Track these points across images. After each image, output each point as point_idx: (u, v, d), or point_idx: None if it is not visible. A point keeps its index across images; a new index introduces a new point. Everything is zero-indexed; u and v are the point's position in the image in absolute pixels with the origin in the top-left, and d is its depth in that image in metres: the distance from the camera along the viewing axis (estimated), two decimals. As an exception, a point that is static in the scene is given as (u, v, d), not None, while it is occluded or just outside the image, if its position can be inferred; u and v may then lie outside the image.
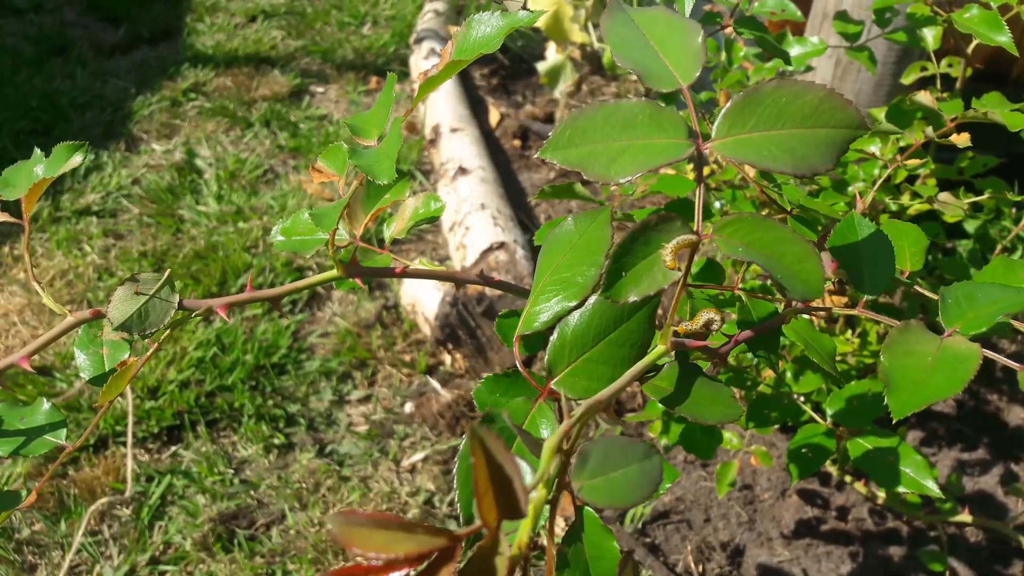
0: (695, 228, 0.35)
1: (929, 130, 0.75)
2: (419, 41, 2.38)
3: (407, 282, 1.63)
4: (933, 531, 1.30)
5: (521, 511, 0.26)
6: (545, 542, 0.39)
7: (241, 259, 1.75)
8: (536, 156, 0.39)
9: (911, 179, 1.21)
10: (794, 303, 0.45)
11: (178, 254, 1.77)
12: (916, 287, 0.52)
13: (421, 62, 2.29)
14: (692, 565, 1.25)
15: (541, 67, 2.09)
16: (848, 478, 1.35)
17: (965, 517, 1.14)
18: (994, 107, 0.69)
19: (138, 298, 0.52)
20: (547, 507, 0.33)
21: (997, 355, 0.37)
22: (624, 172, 0.35)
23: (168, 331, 0.55)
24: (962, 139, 0.70)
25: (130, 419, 1.34)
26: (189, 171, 2.04)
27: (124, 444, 1.39)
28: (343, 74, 2.46)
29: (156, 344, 0.55)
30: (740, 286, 0.45)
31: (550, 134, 0.38)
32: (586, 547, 0.61)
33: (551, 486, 0.32)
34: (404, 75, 2.45)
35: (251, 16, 2.78)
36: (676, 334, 0.42)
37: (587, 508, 0.62)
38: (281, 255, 1.75)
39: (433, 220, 0.62)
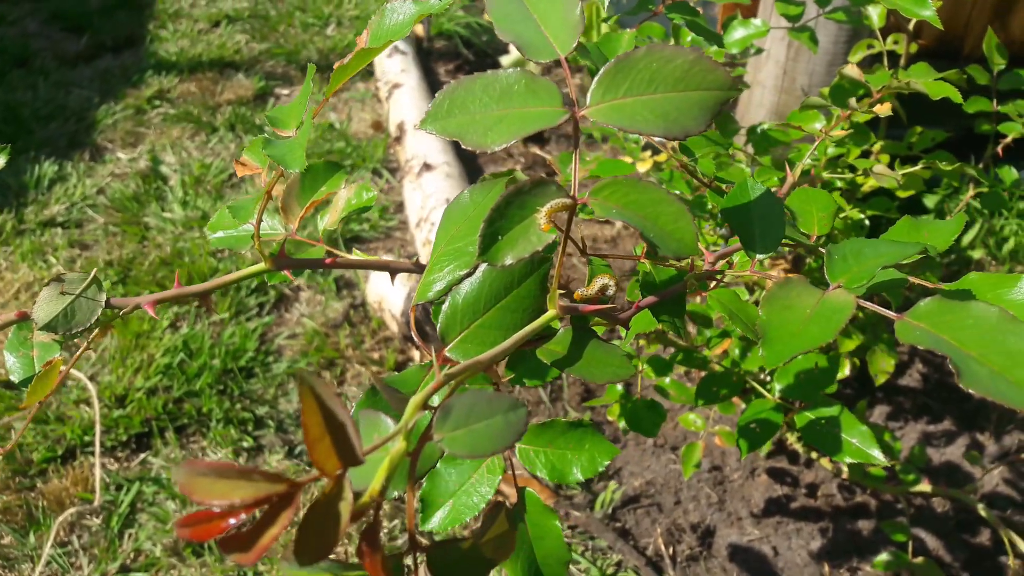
0: (571, 192, 0.36)
1: (852, 101, 0.76)
2: (382, 39, 2.37)
3: (373, 280, 1.63)
4: (900, 504, 1.32)
5: (357, 457, 0.27)
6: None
7: (207, 264, 1.74)
8: (417, 127, 0.39)
9: (868, 159, 1.22)
10: (689, 265, 0.46)
11: (144, 262, 1.77)
12: (820, 249, 0.52)
13: (385, 60, 2.29)
14: (663, 548, 1.26)
15: (505, 61, 2.09)
16: (814, 455, 1.36)
17: (925, 487, 1.16)
18: (919, 77, 0.70)
19: (64, 298, 0.52)
20: (408, 460, 0.33)
21: (874, 305, 0.37)
22: (500, 139, 0.35)
23: (97, 330, 0.55)
24: (884, 109, 0.71)
25: (97, 428, 1.33)
26: (154, 178, 2.03)
27: (92, 454, 1.38)
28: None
29: (85, 344, 0.55)
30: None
31: (429, 105, 0.38)
32: (529, 528, 0.62)
33: (412, 439, 0.33)
34: (369, 74, 2.44)
35: (215, 21, 2.76)
36: (572, 299, 0.42)
37: (529, 489, 0.62)
38: (247, 258, 1.74)
39: (365, 210, 0.63)
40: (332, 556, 0.32)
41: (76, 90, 2.39)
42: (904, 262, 0.50)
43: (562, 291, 0.42)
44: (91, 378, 1.50)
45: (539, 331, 0.40)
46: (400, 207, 1.94)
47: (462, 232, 0.42)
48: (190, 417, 1.44)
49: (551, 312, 0.40)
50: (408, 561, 0.34)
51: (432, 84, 2.30)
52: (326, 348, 1.56)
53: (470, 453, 0.31)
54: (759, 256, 0.44)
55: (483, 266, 0.41)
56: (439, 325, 0.41)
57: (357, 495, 0.33)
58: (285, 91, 2.42)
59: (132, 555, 1.24)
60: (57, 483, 1.33)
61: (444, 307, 0.41)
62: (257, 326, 1.61)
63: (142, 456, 1.39)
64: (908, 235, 0.49)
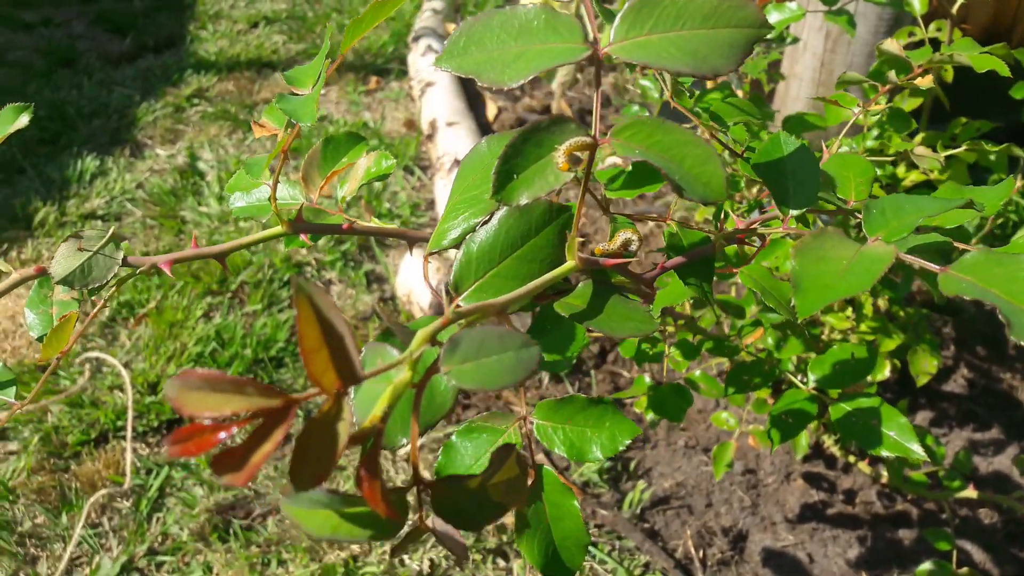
0: (592, 131, 0.34)
1: (892, 74, 0.73)
2: (417, 39, 2.38)
3: (403, 273, 1.62)
4: (944, 513, 1.27)
5: (356, 373, 0.25)
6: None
7: (241, 256, 1.75)
8: (433, 65, 0.38)
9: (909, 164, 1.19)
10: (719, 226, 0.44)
11: (180, 254, 1.78)
12: (858, 215, 0.50)
13: (419, 60, 2.29)
14: (692, 550, 1.23)
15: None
16: (852, 459, 1.32)
17: (971, 493, 1.11)
18: (963, 51, 0.67)
19: (81, 254, 0.52)
20: (412, 393, 0.32)
21: (915, 259, 0.35)
22: (518, 76, 0.34)
23: (114, 288, 0.54)
24: (926, 81, 0.68)
25: (130, 413, 1.34)
26: (192, 174, 2.06)
27: (124, 438, 1.39)
28: (343, 75, 2.47)
29: (103, 301, 0.54)
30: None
31: (446, 42, 0.37)
32: (547, 507, 0.60)
33: (419, 370, 0.31)
34: (403, 73, 2.45)
35: (253, 22, 2.80)
36: (592, 254, 0.40)
37: (546, 468, 0.60)
38: (279, 252, 1.75)
39: (385, 177, 0.62)
40: (334, 488, 0.31)
41: (118, 89, 2.43)
42: (947, 227, 0.48)
43: (582, 243, 0.41)
44: (125, 365, 1.51)
45: (557, 282, 0.38)
46: (431, 204, 1.94)
47: (478, 180, 0.40)
48: (220, 406, 1.45)
49: (571, 263, 0.39)
50: (411, 499, 0.32)
51: (465, 83, 2.29)
52: (356, 341, 1.55)
53: (479, 386, 0.29)
54: (793, 212, 0.42)
55: (499, 214, 0.39)
56: (452, 274, 0.39)
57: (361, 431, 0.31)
58: (321, 91, 2.44)
59: (160, 538, 1.24)
60: (90, 465, 1.34)
61: (458, 255, 0.39)
62: (288, 317, 1.61)
63: (171, 444, 1.40)
64: (951, 195, 0.46)
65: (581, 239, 0.39)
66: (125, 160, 2.13)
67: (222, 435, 0.25)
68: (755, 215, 1.04)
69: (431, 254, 0.42)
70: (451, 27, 2.46)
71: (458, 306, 0.37)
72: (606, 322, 0.38)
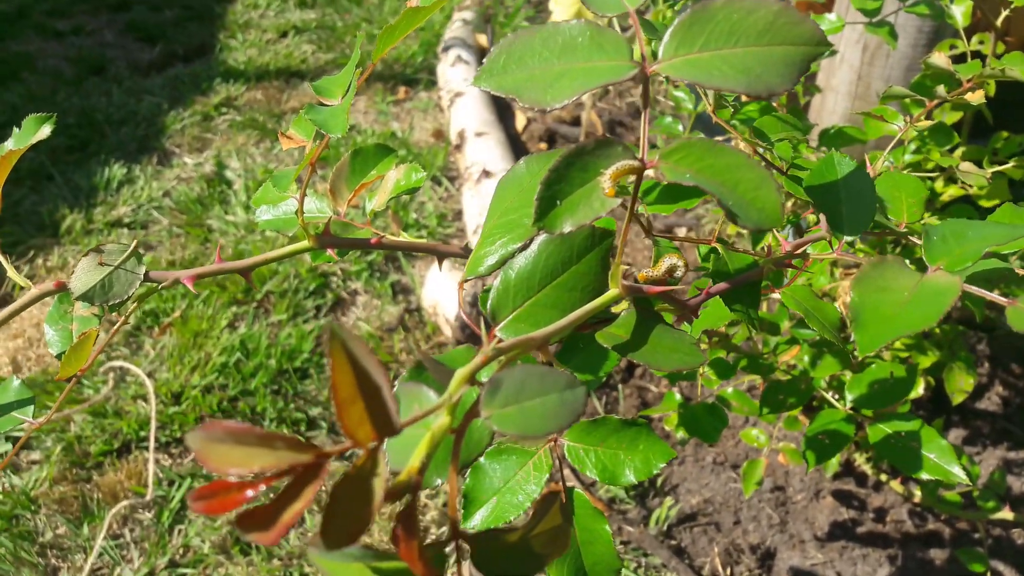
0: (639, 154, 0.33)
1: (941, 89, 0.71)
2: (446, 49, 2.38)
3: (429, 285, 1.61)
4: (977, 533, 1.24)
5: (393, 425, 0.24)
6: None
7: (267, 267, 1.75)
8: (472, 84, 0.36)
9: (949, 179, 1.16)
10: (767, 251, 0.42)
11: (206, 262, 1.79)
12: (910, 238, 0.48)
13: (448, 70, 2.29)
14: (719, 568, 1.20)
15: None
16: (884, 477, 1.29)
17: (1007, 514, 1.08)
18: (1014, 64, 0.65)
19: (102, 268, 0.51)
20: (452, 437, 0.30)
21: (982, 291, 0.33)
22: (562, 96, 0.33)
23: (136, 304, 0.53)
24: (977, 96, 0.66)
25: (152, 424, 1.34)
26: (219, 182, 2.06)
27: (147, 449, 1.39)
28: (371, 85, 2.47)
29: (123, 318, 0.54)
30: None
31: (484, 60, 0.36)
32: (577, 531, 0.58)
33: (458, 415, 0.30)
34: (432, 83, 2.45)
35: (282, 32, 2.81)
36: (636, 281, 0.39)
37: (577, 490, 0.59)
38: (305, 262, 1.75)
39: (415, 191, 0.61)
40: (367, 542, 0.29)
41: (147, 97, 2.45)
42: (1005, 252, 0.46)
43: (625, 271, 0.39)
44: (149, 375, 1.51)
45: (599, 312, 0.37)
46: (459, 215, 1.93)
47: (516, 203, 0.39)
48: (244, 416, 1.44)
49: (613, 291, 0.37)
50: (450, 552, 0.31)
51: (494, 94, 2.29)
52: (380, 352, 1.55)
53: (521, 433, 0.28)
54: (847, 238, 0.40)
55: (539, 239, 0.38)
56: (489, 302, 0.38)
57: (394, 474, 0.30)
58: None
59: (181, 550, 1.24)
60: (112, 476, 1.34)
61: (495, 283, 0.38)
62: (314, 328, 1.61)
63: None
64: (1011, 220, 0.44)
65: (625, 266, 0.37)
66: (152, 168, 2.14)
67: (249, 493, 0.23)
68: (788, 231, 1.02)
69: (466, 281, 0.40)
70: (481, 38, 2.46)
71: (496, 337, 0.36)
72: (651, 354, 0.36)
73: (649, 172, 0.33)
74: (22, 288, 0.52)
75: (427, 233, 1.87)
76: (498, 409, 0.29)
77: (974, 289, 0.33)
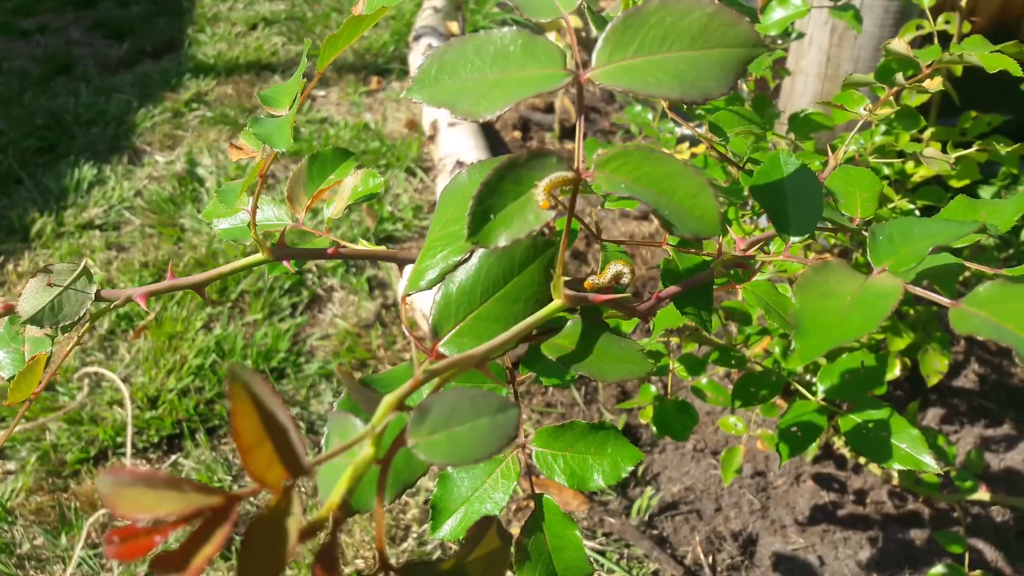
0: (575, 164, 0.32)
1: (900, 76, 0.71)
2: (417, 38, 2.36)
3: (405, 280, 1.60)
4: (956, 513, 1.24)
5: (301, 466, 0.23)
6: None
7: (241, 265, 1.73)
8: (404, 96, 0.35)
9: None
10: (719, 252, 0.41)
11: (179, 263, 1.77)
12: (864, 233, 0.48)
13: (419, 59, 2.27)
14: (702, 556, 1.21)
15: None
16: (863, 459, 1.29)
17: (983, 495, 1.09)
18: (973, 49, 0.64)
19: (51, 290, 0.50)
20: (377, 468, 0.29)
21: (925, 291, 0.33)
22: (493, 107, 0.32)
23: (87, 324, 0.52)
24: (935, 83, 0.65)
25: (129, 429, 1.33)
26: (191, 180, 2.04)
27: (124, 455, 1.37)
28: (343, 76, 2.45)
29: (75, 339, 0.52)
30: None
31: (415, 70, 0.35)
32: (548, 538, 0.57)
33: (384, 444, 0.29)
34: (404, 73, 2.43)
35: (252, 24, 2.78)
36: (583, 289, 0.38)
37: (547, 497, 0.58)
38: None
39: (372, 197, 0.59)
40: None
41: (116, 95, 2.42)
42: (958, 246, 0.45)
43: (572, 279, 0.38)
44: (124, 379, 1.50)
45: (544, 323, 0.36)
46: (434, 206, 1.91)
47: (458, 214, 0.38)
48: (221, 418, 1.43)
49: (557, 302, 0.36)
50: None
51: (467, 82, 2.27)
52: (358, 348, 1.54)
53: (448, 461, 0.27)
54: (794, 239, 0.40)
55: (479, 252, 0.37)
56: (431, 317, 0.37)
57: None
58: (321, 92, 2.42)
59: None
60: (89, 484, 1.32)
61: (437, 297, 0.37)
62: (290, 327, 1.60)
63: (173, 458, 1.38)
64: (964, 214, 0.43)
65: (570, 278, 0.36)
66: (123, 168, 2.11)
67: (158, 538, 0.23)
68: (763, 221, 1.02)
69: (408, 295, 0.40)
70: (453, 25, 2.43)
71: (439, 353, 0.35)
72: (596, 364, 0.36)
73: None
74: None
75: (403, 225, 1.85)
76: (425, 437, 0.28)
77: (917, 290, 0.33)
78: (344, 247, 0.56)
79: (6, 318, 0.57)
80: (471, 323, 0.36)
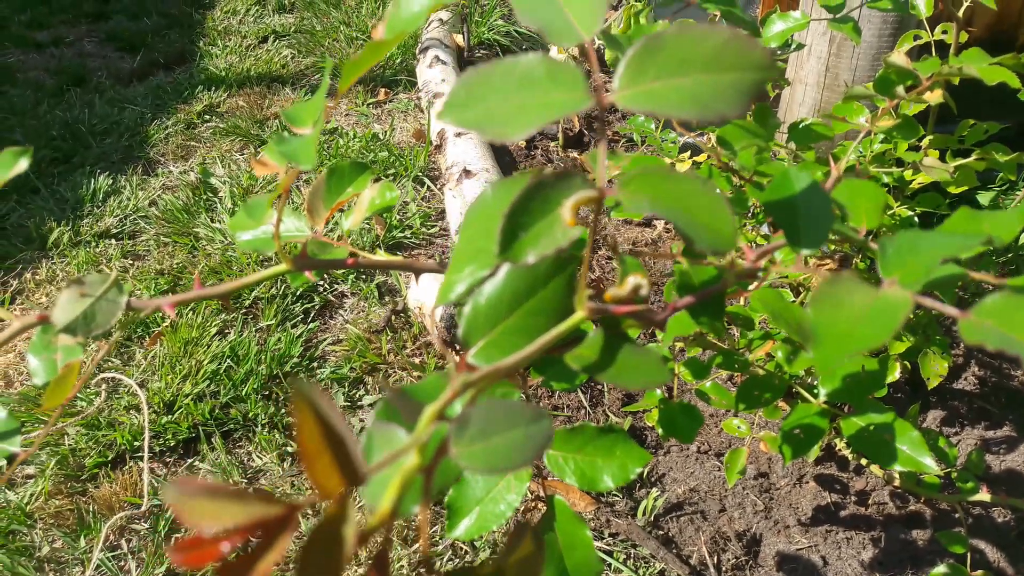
0: (598, 184, 0.35)
1: (900, 89, 0.73)
2: (424, 50, 2.39)
3: (413, 286, 1.63)
4: (957, 513, 1.26)
5: (359, 475, 0.25)
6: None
7: (254, 272, 1.77)
8: (437, 118, 0.37)
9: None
10: (729, 263, 0.44)
11: (194, 271, 1.80)
12: (870, 245, 0.50)
13: (425, 70, 2.30)
14: (707, 556, 1.23)
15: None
16: (865, 461, 1.31)
17: (984, 496, 1.11)
18: (972, 62, 0.67)
19: (84, 300, 0.52)
20: (421, 476, 0.32)
21: (934, 303, 0.35)
22: (521, 129, 0.34)
23: (118, 332, 0.55)
24: (935, 96, 0.68)
25: (146, 434, 1.36)
26: (204, 190, 2.07)
27: (141, 459, 1.41)
28: (352, 88, 2.48)
29: (106, 346, 0.55)
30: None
31: (447, 95, 0.37)
32: (559, 537, 0.60)
33: (427, 454, 0.31)
34: (411, 84, 2.46)
35: (262, 37, 2.82)
36: (602, 301, 0.41)
37: (558, 497, 0.61)
38: (292, 266, 1.76)
39: (389, 209, 0.62)
40: None
41: (130, 107, 2.46)
42: (962, 256, 0.48)
43: (592, 292, 0.41)
44: (141, 384, 1.53)
45: (567, 335, 0.38)
46: (442, 214, 1.95)
47: (484, 230, 0.40)
48: (236, 422, 1.46)
49: (579, 314, 0.39)
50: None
51: (474, 92, 2.30)
52: (369, 353, 1.57)
53: (488, 470, 0.29)
54: (805, 252, 0.42)
55: (505, 267, 0.40)
56: (460, 329, 0.39)
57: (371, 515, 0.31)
58: (330, 103, 2.45)
59: (178, 559, 1.26)
60: (107, 487, 1.35)
61: (465, 310, 0.40)
62: (302, 332, 1.63)
63: (189, 461, 1.41)
64: (966, 227, 0.46)
65: (591, 291, 0.39)
66: (138, 178, 2.15)
67: (226, 547, 0.25)
68: (763, 228, 1.04)
69: (437, 307, 0.42)
70: (458, 38, 2.47)
71: (468, 364, 0.38)
72: (618, 374, 0.38)
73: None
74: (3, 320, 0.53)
75: (411, 233, 1.88)
76: (466, 447, 0.30)
77: (927, 301, 0.35)
78: (363, 257, 0.59)
79: (39, 328, 0.60)
80: (498, 336, 0.39)
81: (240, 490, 0.25)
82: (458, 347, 1.49)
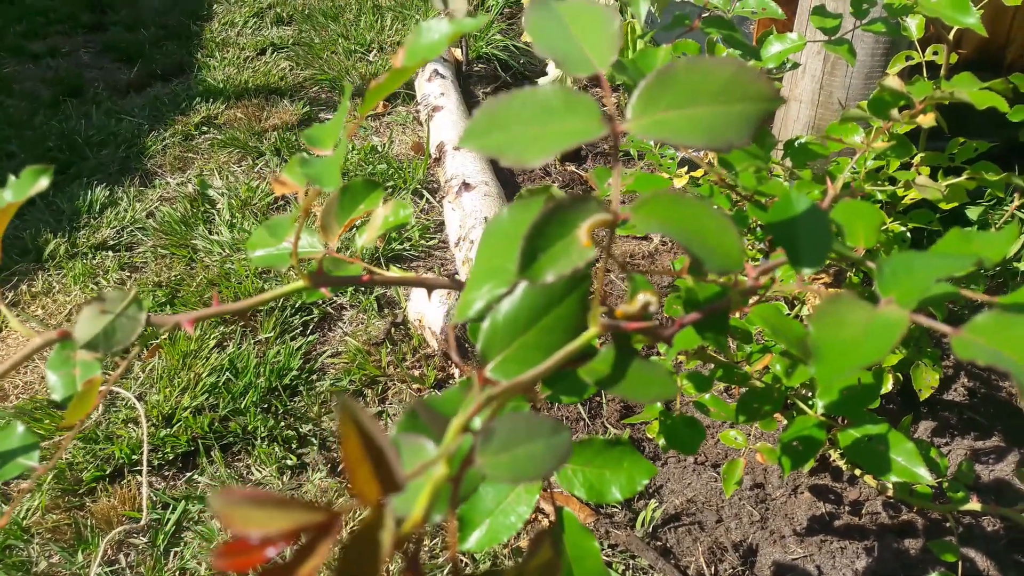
0: (612, 207, 0.36)
1: (894, 112, 0.76)
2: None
3: (413, 298, 1.65)
4: (948, 523, 1.28)
5: (398, 483, 0.27)
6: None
7: (253, 285, 1.78)
8: (458, 147, 0.39)
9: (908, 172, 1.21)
10: (734, 281, 0.46)
11: (192, 283, 1.81)
12: (867, 264, 0.52)
13: (425, 84, 2.32)
14: (704, 567, 1.25)
15: (542, 83, 2.11)
16: (858, 471, 1.33)
17: (974, 505, 1.13)
18: (963, 87, 0.70)
19: (104, 316, 0.54)
20: (449, 485, 0.33)
21: (929, 320, 0.37)
22: (539, 156, 0.36)
23: (138, 348, 0.56)
24: (927, 119, 0.70)
25: (145, 447, 1.36)
26: (202, 202, 2.08)
27: (140, 473, 1.41)
28: (352, 101, 2.50)
29: (125, 363, 0.57)
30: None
31: (468, 122, 0.39)
32: (568, 548, 0.62)
33: (455, 464, 0.33)
34: (409, 97, 2.48)
35: (260, 49, 2.83)
36: (613, 317, 0.42)
37: (566, 509, 0.62)
38: (292, 277, 1.78)
39: (402, 227, 0.64)
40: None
41: (127, 118, 2.47)
42: (955, 275, 0.50)
43: (602, 308, 0.43)
44: (139, 397, 1.53)
45: (581, 351, 0.40)
46: (440, 226, 1.96)
47: (501, 250, 0.42)
48: (235, 436, 1.47)
49: (593, 330, 0.41)
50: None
51: (471, 106, 2.32)
52: (368, 366, 1.58)
53: (512, 479, 0.31)
54: (805, 271, 0.44)
55: (522, 285, 0.41)
56: (479, 345, 0.41)
57: (398, 522, 0.33)
58: (329, 116, 2.47)
59: (177, 573, 1.26)
60: (105, 502, 1.36)
61: (484, 326, 0.41)
62: (301, 345, 1.64)
63: (188, 475, 1.42)
64: (958, 247, 0.48)
65: (601, 307, 0.41)
66: (135, 189, 2.16)
67: (270, 552, 0.26)
68: (763, 260, 1.07)
69: (455, 326, 0.44)
70: (456, 51, 2.49)
71: (487, 378, 0.39)
72: (630, 388, 0.40)
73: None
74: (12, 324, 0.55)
75: (410, 245, 1.90)
76: (491, 457, 0.32)
77: (921, 319, 0.37)
78: (378, 274, 0.60)
79: (57, 344, 0.61)
80: (516, 350, 0.41)
81: (284, 497, 0.26)
82: (456, 361, 1.50)
